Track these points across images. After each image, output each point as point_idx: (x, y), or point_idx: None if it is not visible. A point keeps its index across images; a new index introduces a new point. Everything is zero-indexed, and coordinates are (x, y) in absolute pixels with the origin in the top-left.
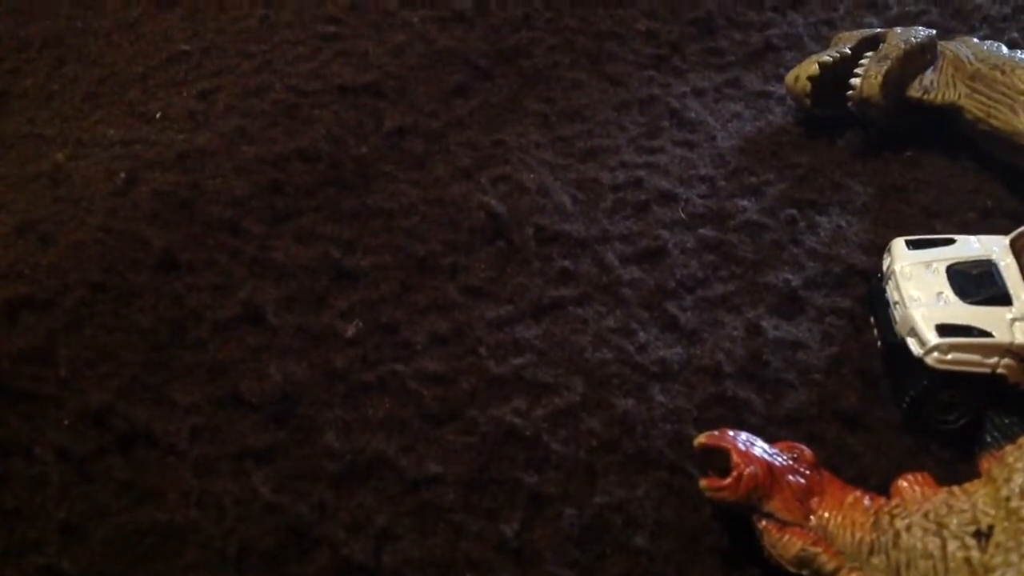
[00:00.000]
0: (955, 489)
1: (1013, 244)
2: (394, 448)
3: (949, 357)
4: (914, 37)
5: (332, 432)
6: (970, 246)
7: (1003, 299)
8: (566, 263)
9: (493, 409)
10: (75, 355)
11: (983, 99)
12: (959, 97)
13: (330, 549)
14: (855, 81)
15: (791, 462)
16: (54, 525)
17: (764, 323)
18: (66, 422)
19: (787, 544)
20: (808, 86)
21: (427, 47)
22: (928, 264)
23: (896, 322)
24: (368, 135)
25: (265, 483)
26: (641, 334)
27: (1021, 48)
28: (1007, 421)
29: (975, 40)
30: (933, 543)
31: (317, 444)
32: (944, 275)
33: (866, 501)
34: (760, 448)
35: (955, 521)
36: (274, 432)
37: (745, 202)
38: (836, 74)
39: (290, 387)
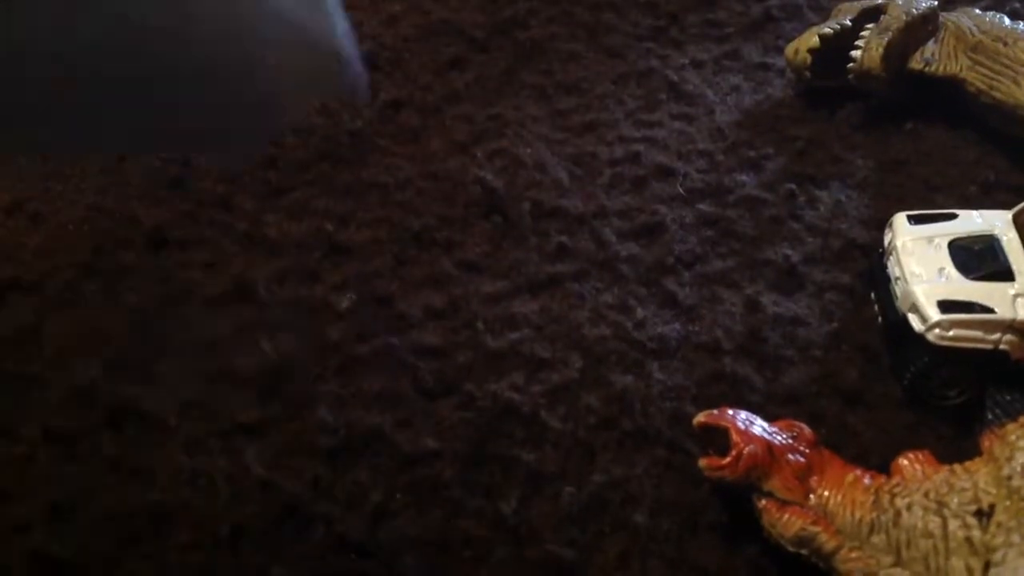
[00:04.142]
0: (956, 468)
1: (1016, 219)
2: (389, 423)
3: (951, 333)
4: (915, 8)
5: (325, 406)
6: (972, 221)
7: (1006, 275)
8: (563, 238)
9: (490, 384)
10: (62, 334)
11: (985, 71)
12: (961, 69)
13: (325, 526)
14: (856, 53)
15: (791, 441)
16: (42, 507)
17: (763, 299)
18: (53, 401)
19: (787, 523)
20: (808, 58)
21: (422, 18)
22: (930, 239)
23: (897, 298)
24: (363, 108)
25: (258, 459)
26: (639, 310)
27: (1023, 19)
28: (1009, 398)
29: (977, 11)
30: (934, 522)
31: (310, 419)
32: (946, 250)
33: (866, 480)
34: (760, 427)
35: (956, 500)
36: (266, 407)
37: (744, 177)
38: (837, 46)
39: (282, 361)
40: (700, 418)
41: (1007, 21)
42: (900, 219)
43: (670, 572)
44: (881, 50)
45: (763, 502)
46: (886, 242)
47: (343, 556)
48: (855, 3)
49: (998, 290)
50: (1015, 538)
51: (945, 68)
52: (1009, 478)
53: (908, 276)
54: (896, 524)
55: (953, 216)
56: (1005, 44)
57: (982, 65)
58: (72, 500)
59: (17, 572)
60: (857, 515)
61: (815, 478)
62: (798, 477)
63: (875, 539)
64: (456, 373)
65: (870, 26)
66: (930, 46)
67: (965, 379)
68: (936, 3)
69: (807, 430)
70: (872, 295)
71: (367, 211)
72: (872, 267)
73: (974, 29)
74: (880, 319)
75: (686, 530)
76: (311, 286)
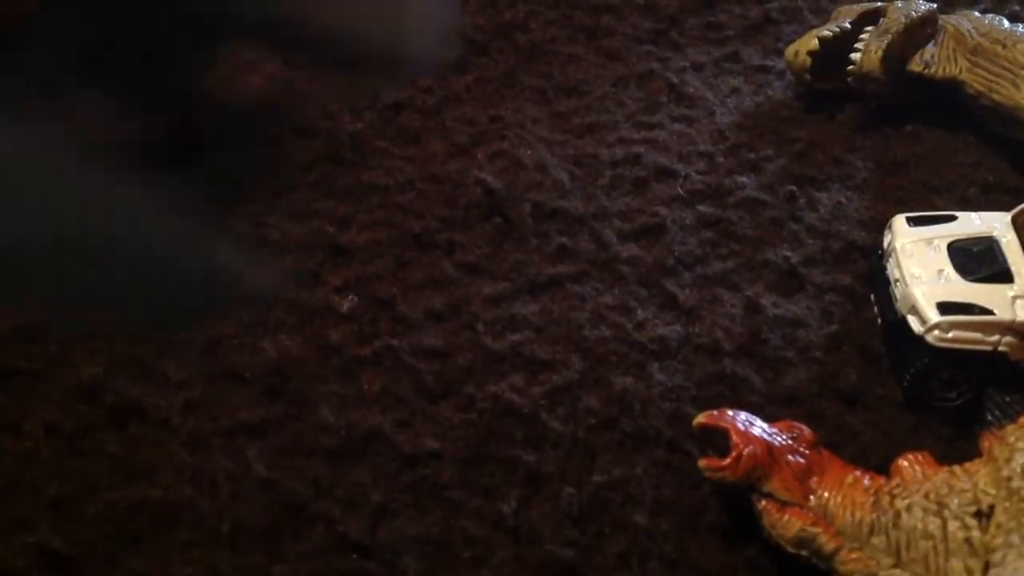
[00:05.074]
0: (956, 469)
1: (1015, 220)
2: (390, 423)
3: (950, 335)
4: (914, 11)
5: (327, 407)
6: (971, 223)
7: (1005, 276)
8: (563, 240)
9: (491, 385)
10: (66, 331)
11: (984, 73)
12: (960, 71)
13: (325, 526)
14: (855, 56)
15: (791, 442)
16: (44, 502)
17: (763, 300)
18: (56, 397)
19: (786, 524)
20: (808, 61)
21: None
22: (929, 241)
23: (897, 300)
24: (364, 110)
25: (259, 459)
26: (639, 311)
27: (1022, 22)
28: (1008, 399)
29: (976, 14)
30: (933, 523)
31: (312, 419)
32: (945, 252)
33: (866, 481)
34: (759, 428)
35: (956, 501)
36: (268, 407)
37: (744, 178)
38: (836, 49)
39: (284, 361)
40: (700, 419)
41: (1006, 24)
42: (899, 221)
43: (670, 572)
44: (880, 52)
45: (763, 503)
46: (885, 244)
47: (343, 555)
48: (854, 6)
49: (997, 292)
50: (1014, 539)
51: (944, 70)
52: (1009, 479)
53: (907, 278)
54: (896, 525)
55: (952, 218)
56: (1004, 47)
57: (981, 67)
58: (74, 496)
59: (20, 566)
60: (857, 516)
61: (815, 479)
62: (798, 478)
63: (875, 540)
64: (457, 375)
65: (869, 29)
66: (929, 48)
67: (964, 380)
68: (935, 6)
69: (807, 431)
70: (872, 297)
71: (368, 213)
72: (871, 269)
73: (973, 32)
74: (879, 321)
75: (686, 530)
76: (312, 287)
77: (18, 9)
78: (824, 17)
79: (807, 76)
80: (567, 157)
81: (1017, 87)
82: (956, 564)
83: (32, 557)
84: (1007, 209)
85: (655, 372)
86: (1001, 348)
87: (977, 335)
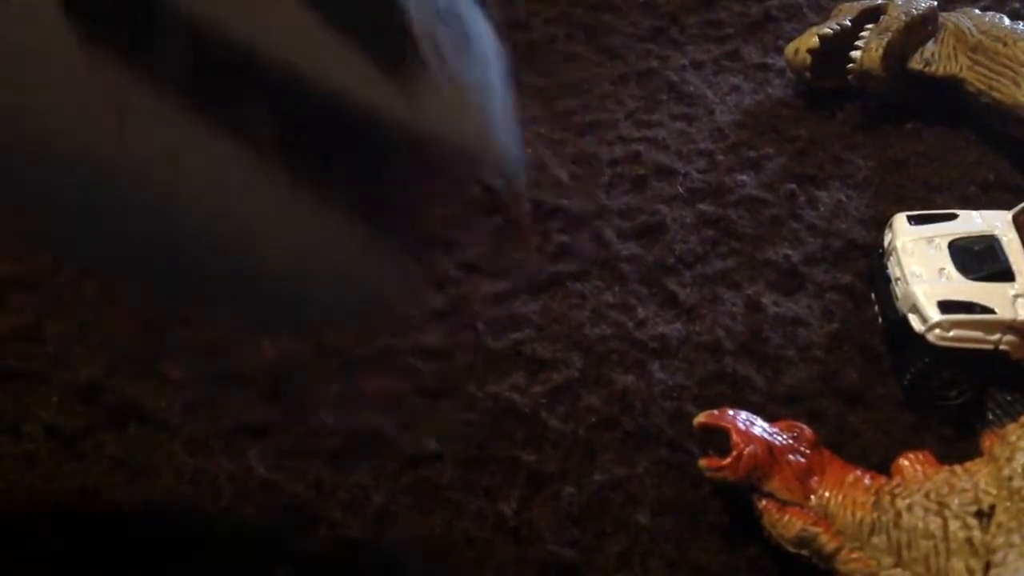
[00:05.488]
0: (956, 468)
1: (1016, 219)
2: (391, 424)
3: (951, 334)
4: (915, 9)
5: (327, 408)
6: (972, 221)
7: (1006, 275)
8: (564, 238)
9: (491, 385)
10: (65, 332)
11: (985, 71)
12: (960, 69)
13: (328, 527)
14: (856, 54)
15: (791, 441)
16: (44, 505)
17: (764, 299)
18: (55, 399)
19: (787, 524)
20: (808, 59)
21: None
22: (930, 240)
23: (897, 298)
24: None
25: (260, 460)
26: (640, 310)
27: (1023, 19)
28: (1009, 399)
29: (977, 11)
30: (934, 523)
31: (312, 420)
32: (946, 251)
33: (867, 480)
34: (760, 427)
35: (956, 501)
36: (268, 408)
37: (744, 177)
38: (836, 46)
39: (284, 362)
40: (700, 418)
41: (1007, 21)
42: (900, 219)
43: (671, 572)
44: (881, 50)
45: (763, 503)
46: (886, 243)
47: (345, 557)
48: (855, 3)
49: (998, 290)
50: (1015, 539)
51: (945, 68)
52: (1010, 479)
53: (908, 276)
54: (897, 525)
55: (953, 216)
56: (1005, 44)
57: (982, 65)
58: (74, 498)
59: (19, 570)
60: (858, 516)
61: (816, 479)
62: (799, 478)
63: (876, 540)
64: (457, 375)
65: (870, 26)
66: (930, 46)
67: (965, 379)
68: (936, 3)
69: (808, 431)
70: (872, 296)
71: None
72: (872, 268)
73: (974, 29)
74: (880, 320)
75: (687, 530)
76: None
77: None
78: (824, 15)
79: (807, 74)
80: (567, 156)
81: (1018, 85)
82: (957, 564)
83: (33, 560)
84: (1008, 207)
85: (656, 371)
86: (1002, 347)
87: (978, 334)
